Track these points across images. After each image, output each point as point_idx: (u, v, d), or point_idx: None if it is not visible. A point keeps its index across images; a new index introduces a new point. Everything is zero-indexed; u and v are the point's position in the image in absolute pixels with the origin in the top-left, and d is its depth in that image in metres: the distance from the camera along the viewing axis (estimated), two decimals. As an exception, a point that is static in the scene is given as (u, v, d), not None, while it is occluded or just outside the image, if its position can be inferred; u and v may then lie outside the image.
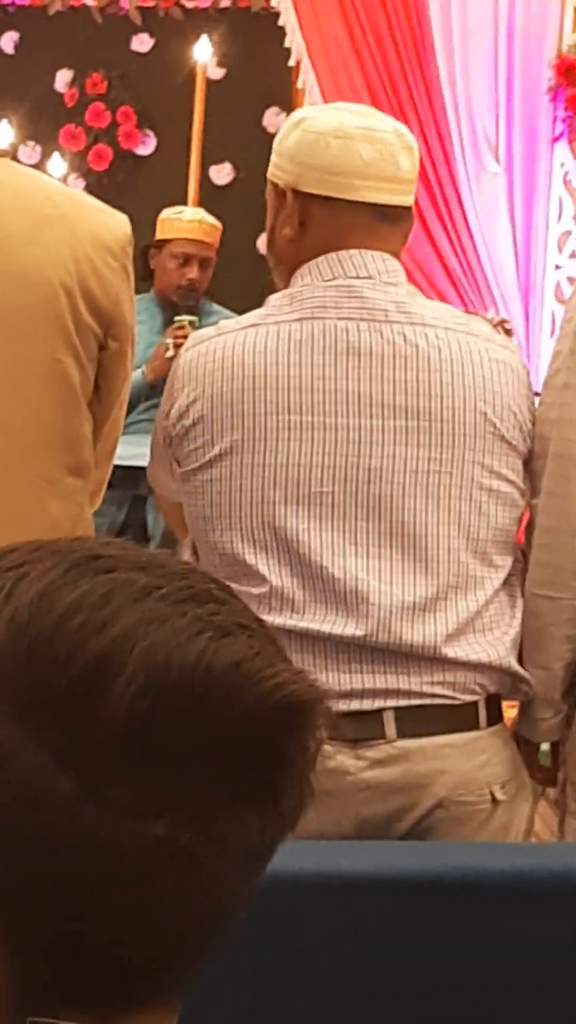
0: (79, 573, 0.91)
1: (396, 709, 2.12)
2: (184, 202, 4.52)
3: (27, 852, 0.88)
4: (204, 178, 4.84)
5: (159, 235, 4.71)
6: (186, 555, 2.27)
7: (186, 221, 4.68)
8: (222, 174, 5.99)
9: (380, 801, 2.13)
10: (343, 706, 2.09)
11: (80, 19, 6.19)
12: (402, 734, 2.12)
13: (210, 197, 4.96)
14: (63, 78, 6.22)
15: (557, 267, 5.71)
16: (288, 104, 5.78)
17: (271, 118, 5.93)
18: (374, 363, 2.15)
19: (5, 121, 4.47)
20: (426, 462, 2.14)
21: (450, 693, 2.14)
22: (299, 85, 5.67)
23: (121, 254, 2.33)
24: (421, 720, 2.13)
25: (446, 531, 2.15)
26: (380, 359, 2.15)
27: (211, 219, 4.72)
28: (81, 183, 6.08)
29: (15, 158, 3.09)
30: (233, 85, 5.82)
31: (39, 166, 5.36)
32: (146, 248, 4.65)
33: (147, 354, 4.50)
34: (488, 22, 5.47)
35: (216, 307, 4.70)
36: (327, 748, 2.07)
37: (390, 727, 2.12)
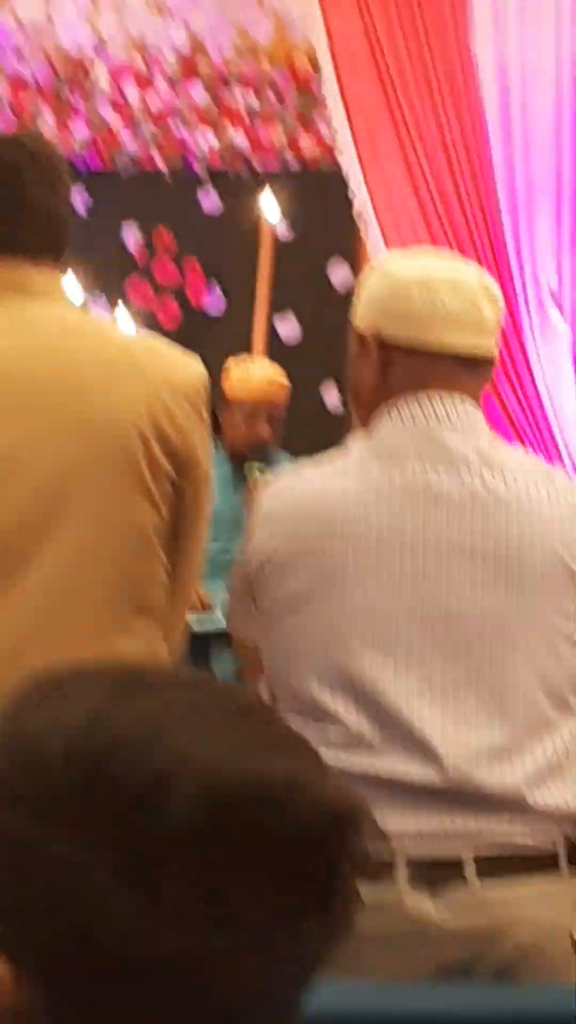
0: (127, 694, 0.93)
1: (476, 856, 2.08)
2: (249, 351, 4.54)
3: (90, 965, 0.89)
4: (270, 330, 4.88)
5: (228, 394, 4.65)
6: (263, 696, 2.25)
7: (255, 381, 4.64)
8: (287, 327, 6.03)
9: (459, 946, 2.08)
10: (419, 850, 2.06)
11: (149, 180, 6.30)
12: (481, 879, 2.08)
13: (276, 348, 5.00)
14: (132, 235, 6.31)
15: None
16: (352, 257, 5.85)
17: (335, 270, 5.98)
18: (452, 509, 2.15)
19: (73, 275, 4.53)
20: (504, 608, 2.13)
21: (530, 842, 2.11)
22: (363, 237, 5.72)
23: (195, 396, 2.35)
24: (500, 867, 2.09)
25: (524, 677, 2.13)
26: (459, 505, 2.15)
27: (279, 377, 4.69)
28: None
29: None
30: (298, 238, 5.89)
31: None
32: (214, 403, 4.65)
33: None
34: (551, 178, 5.52)
35: (284, 456, 4.70)
36: (405, 890, 2.03)
37: (470, 873, 2.08)
